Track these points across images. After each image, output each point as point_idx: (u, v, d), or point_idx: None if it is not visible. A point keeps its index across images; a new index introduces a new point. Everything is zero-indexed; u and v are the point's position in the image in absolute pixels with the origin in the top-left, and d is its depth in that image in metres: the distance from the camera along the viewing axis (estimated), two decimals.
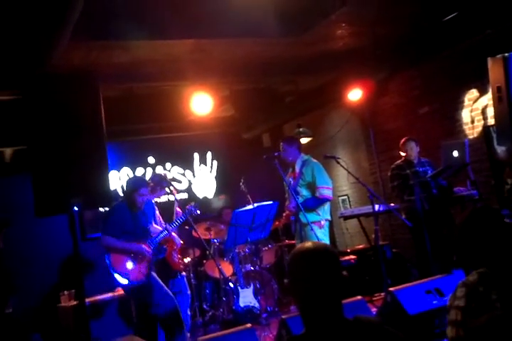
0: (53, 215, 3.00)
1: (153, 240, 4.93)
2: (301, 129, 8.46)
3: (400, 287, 4.06)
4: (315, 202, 5.42)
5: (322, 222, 5.46)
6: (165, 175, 5.82)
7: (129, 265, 4.73)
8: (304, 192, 5.49)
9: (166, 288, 4.92)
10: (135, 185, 4.95)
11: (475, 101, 6.46)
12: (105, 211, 4.94)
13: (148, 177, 7.54)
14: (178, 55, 5.68)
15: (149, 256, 4.84)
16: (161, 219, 5.50)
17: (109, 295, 5.61)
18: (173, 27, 4.93)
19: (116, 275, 4.69)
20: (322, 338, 1.67)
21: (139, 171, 8.05)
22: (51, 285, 6.34)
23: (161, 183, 5.49)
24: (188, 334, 5.29)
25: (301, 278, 1.73)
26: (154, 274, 4.92)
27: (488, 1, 5.22)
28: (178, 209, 5.52)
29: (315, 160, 5.64)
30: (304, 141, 8.37)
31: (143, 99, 7.01)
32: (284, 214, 5.74)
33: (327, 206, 5.58)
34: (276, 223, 6.38)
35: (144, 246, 4.85)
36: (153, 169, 8.17)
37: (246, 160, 8.20)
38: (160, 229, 5.22)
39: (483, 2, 5.24)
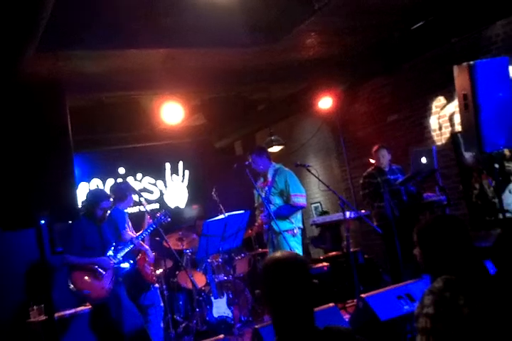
0: (20, 229, 2.94)
1: (116, 254, 4.83)
2: (273, 137, 8.50)
3: (371, 293, 4.08)
4: (289, 210, 5.44)
5: (295, 230, 5.48)
6: (126, 182, 5.74)
7: (91, 282, 4.61)
8: (277, 201, 5.50)
9: (131, 305, 4.83)
10: (96, 198, 4.82)
11: (442, 108, 6.57)
12: (67, 227, 4.81)
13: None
14: (149, 64, 5.65)
15: (112, 268, 4.74)
16: (133, 231, 5.45)
17: (80, 308, 5.50)
18: (143, 36, 4.91)
19: (79, 294, 4.59)
20: None
21: (110, 182, 7.95)
22: (20, 300, 6.19)
23: (126, 191, 5.41)
24: None
25: (272, 287, 1.74)
26: (121, 290, 4.83)
27: (452, 11, 5.33)
28: (150, 220, 5.46)
29: (287, 169, 5.66)
30: (276, 149, 8.41)
31: (113, 109, 6.93)
32: (257, 223, 5.74)
33: (299, 214, 5.60)
34: (249, 232, 6.37)
35: (106, 258, 4.75)
36: (124, 180, 8.08)
37: (218, 169, 8.18)
38: (135, 236, 5.16)
39: (448, 12, 5.36)
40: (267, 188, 5.54)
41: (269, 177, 5.58)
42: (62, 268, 4.76)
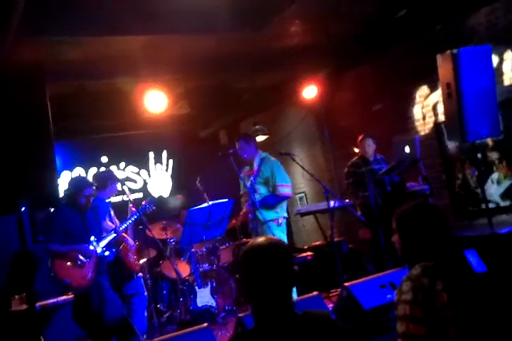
0: (0, 216, 2.91)
1: (98, 242, 4.74)
2: (257, 127, 8.47)
3: (354, 282, 4.10)
4: (275, 200, 5.42)
5: (280, 220, 5.46)
6: (109, 171, 5.66)
7: (72, 271, 4.54)
8: (262, 190, 5.47)
9: (114, 294, 4.77)
10: (78, 185, 4.70)
11: (426, 97, 6.59)
12: (48, 215, 4.74)
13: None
14: (131, 51, 5.58)
15: (94, 256, 4.66)
16: (116, 220, 5.40)
17: (63, 298, 5.45)
18: (125, 23, 4.83)
19: (60, 283, 4.54)
20: (271, 333, 1.67)
21: (92, 171, 7.89)
22: (2, 289, 6.12)
23: (108, 180, 5.35)
24: (145, 337, 5.20)
25: (252, 273, 1.72)
26: (103, 280, 4.76)
27: None
28: (133, 208, 5.39)
29: (273, 158, 5.63)
30: (260, 138, 8.39)
31: (95, 97, 6.83)
32: (241, 213, 5.71)
33: (285, 203, 5.59)
34: (233, 221, 6.35)
35: (88, 245, 4.67)
36: (107, 168, 8.01)
37: (203, 158, 8.14)
38: (113, 226, 5.10)
39: None
40: (252, 177, 5.51)
41: (255, 165, 5.54)
42: (44, 258, 4.70)
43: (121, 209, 5.79)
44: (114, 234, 4.88)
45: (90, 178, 6.48)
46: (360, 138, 6.26)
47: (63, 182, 6.73)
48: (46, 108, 3.07)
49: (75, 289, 4.61)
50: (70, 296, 5.30)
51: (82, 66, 5.74)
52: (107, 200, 5.44)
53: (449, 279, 2.04)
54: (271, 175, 5.43)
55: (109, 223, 5.19)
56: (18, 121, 2.94)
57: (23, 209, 2.90)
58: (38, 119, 3.02)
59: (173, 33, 5.32)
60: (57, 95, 5.81)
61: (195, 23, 5.10)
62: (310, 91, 7.17)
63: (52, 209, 4.71)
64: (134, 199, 6.17)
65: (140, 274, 5.44)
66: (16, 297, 5.50)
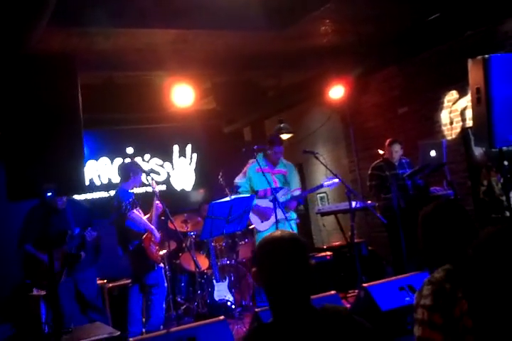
0: (26, 199, 2.96)
1: (69, 246, 4.76)
2: (282, 125, 8.47)
3: (373, 283, 4.09)
4: (301, 201, 5.85)
5: (297, 221, 5.79)
6: (132, 162, 5.75)
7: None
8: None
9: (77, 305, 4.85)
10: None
11: (454, 102, 6.51)
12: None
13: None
14: (160, 44, 5.63)
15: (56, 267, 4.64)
16: (140, 211, 5.45)
17: None
18: (155, 16, 4.88)
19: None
20: (289, 326, 1.67)
21: (118, 161, 7.98)
22: (22, 274, 6.22)
23: (129, 172, 5.38)
24: (161, 327, 5.25)
25: (269, 266, 1.72)
26: (84, 286, 4.82)
27: (469, 4, 5.26)
28: (158, 202, 5.39)
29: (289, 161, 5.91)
30: (284, 136, 8.39)
31: (124, 89, 6.94)
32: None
33: None
34: None
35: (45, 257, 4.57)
36: (132, 159, 8.09)
37: (226, 153, 8.17)
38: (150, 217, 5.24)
39: (465, 4, 5.28)
40: (281, 177, 5.67)
41: (281, 168, 5.71)
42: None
43: (143, 200, 5.83)
44: (80, 240, 4.92)
45: (116, 168, 6.52)
46: (387, 142, 6.18)
47: (88, 171, 6.80)
48: (77, 96, 3.10)
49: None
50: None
51: (111, 57, 5.82)
52: (130, 191, 5.49)
53: (470, 286, 1.98)
54: (294, 178, 5.77)
55: (137, 212, 5.25)
56: (50, 108, 2.98)
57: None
58: (68, 107, 3.06)
59: (203, 29, 5.36)
60: (87, 86, 5.88)
61: (225, 19, 5.13)
62: (336, 92, 7.13)
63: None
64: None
65: (161, 265, 5.48)
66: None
